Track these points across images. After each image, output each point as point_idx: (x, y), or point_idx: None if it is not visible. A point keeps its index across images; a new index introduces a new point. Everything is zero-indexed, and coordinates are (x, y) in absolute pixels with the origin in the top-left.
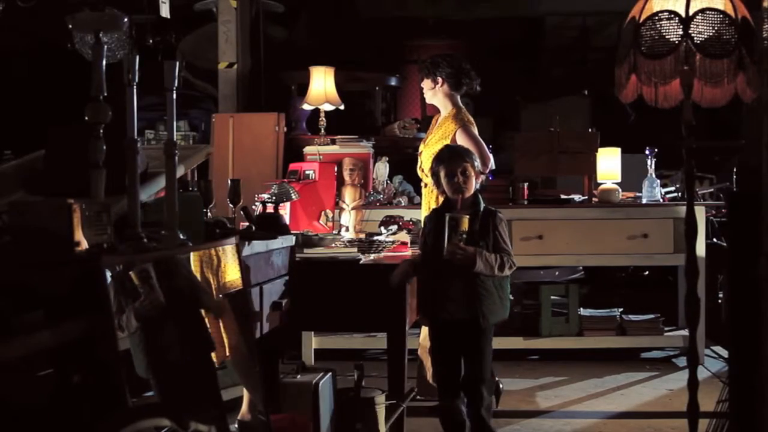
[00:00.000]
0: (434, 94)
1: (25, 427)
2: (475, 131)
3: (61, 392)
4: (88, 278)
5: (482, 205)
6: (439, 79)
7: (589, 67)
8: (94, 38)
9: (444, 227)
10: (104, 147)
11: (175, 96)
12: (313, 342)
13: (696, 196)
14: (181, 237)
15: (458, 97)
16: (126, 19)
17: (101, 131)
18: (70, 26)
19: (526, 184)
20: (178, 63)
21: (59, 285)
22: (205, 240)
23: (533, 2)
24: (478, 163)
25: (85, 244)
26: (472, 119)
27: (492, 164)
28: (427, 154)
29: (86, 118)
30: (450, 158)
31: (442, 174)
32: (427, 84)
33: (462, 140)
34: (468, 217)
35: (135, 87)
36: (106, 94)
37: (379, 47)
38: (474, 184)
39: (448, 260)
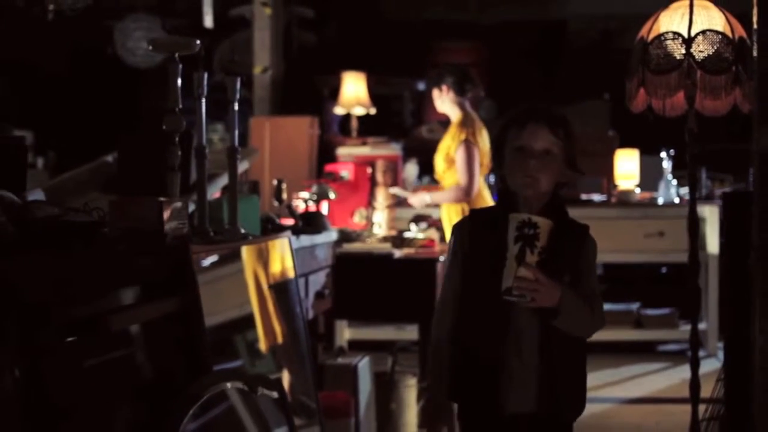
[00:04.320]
0: (442, 102)
1: (133, 381)
2: (482, 140)
3: (160, 357)
4: (180, 264)
5: (567, 216)
6: (444, 87)
7: (610, 70)
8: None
9: (505, 238)
10: (179, 153)
11: (237, 107)
12: (346, 333)
13: (713, 195)
14: (242, 231)
15: (466, 103)
16: (198, 42)
17: (176, 139)
18: (150, 47)
19: None
20: (239, 78)
21: (158, 269)
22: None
23: (556, 5)
24: (573, 153)
25: (171, 236)
26: (480, 126)
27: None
28: (438, 159)
29: (164, 127)
30: (525, 121)
31: (507, 147)
32: (435, 93)
33: (459, 154)
34: (552, 223)
35: (204, 100)
36: (180, 107)
37: (404, 50)
38: (553, 181)
39: (509, 301)
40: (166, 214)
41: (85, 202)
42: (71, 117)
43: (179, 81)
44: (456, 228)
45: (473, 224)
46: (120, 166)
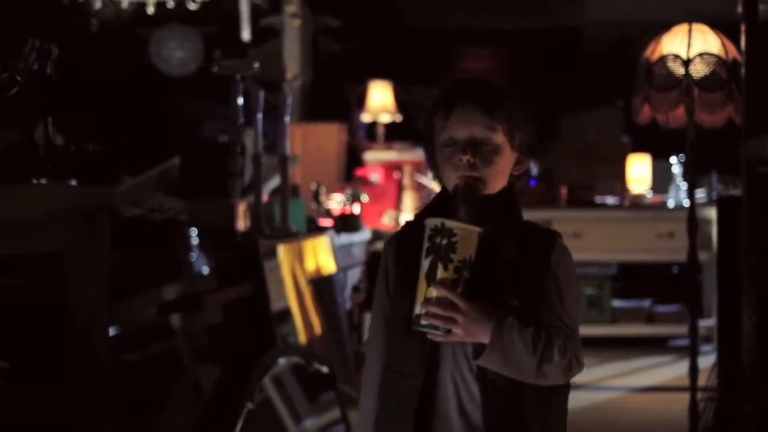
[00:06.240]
0: None
1: (217, 349)
2: None
3: (236, 331)
4: (249, 256)
5: (521, 219)
6: None
7: (624, 78)
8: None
9: (421, 250)
10: (242, 161)
11: (288, 119)
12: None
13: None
14: (293, 230)
15: None
16: (257, 64)
17: (239, 149)
18: (215, 69)
19: (564, 188)
20: (290, 95)
21: (231, 260)
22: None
23: (572, 13)
24: (525, 135)
25: (239, 232)
26: None
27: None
28: None
29: (227, 138)
30: (452, 103)
31: (436, 139)
32: None
33: None
34: (478, 230)
35: (261, 115)
36: (243, 120)
37: (425, 57)
38: (504, 177)
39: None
40: (235, 214)
41: (159, 203)
42: (104, 123)
43: (240, 99)
44: (385, 243)
45: (401, 237)
46: (183, 171)
